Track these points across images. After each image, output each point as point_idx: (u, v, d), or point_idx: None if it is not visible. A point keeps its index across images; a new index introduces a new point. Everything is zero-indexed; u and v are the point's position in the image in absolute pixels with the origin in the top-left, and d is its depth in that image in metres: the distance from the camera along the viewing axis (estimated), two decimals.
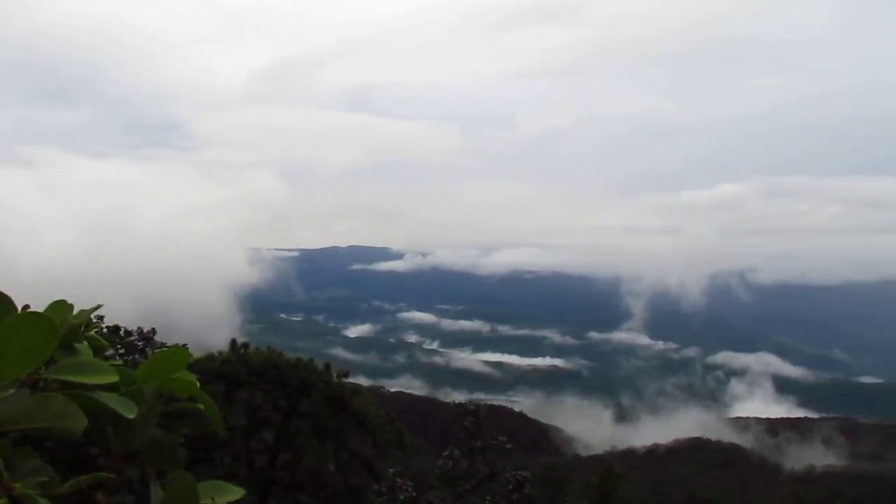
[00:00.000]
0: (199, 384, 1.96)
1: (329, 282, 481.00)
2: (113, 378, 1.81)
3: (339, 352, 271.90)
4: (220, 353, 20.79)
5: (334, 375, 20.92)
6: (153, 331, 25.74)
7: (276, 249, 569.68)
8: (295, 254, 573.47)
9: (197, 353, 21.22)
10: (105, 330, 20.40)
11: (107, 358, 2.01)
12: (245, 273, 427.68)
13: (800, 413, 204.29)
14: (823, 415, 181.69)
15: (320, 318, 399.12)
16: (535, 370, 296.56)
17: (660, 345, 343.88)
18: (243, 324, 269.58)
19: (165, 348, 1.76)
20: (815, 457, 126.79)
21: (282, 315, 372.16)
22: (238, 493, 1.89)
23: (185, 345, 18.19)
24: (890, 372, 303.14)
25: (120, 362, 1.96)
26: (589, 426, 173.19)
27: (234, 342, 20.99)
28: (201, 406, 1.99)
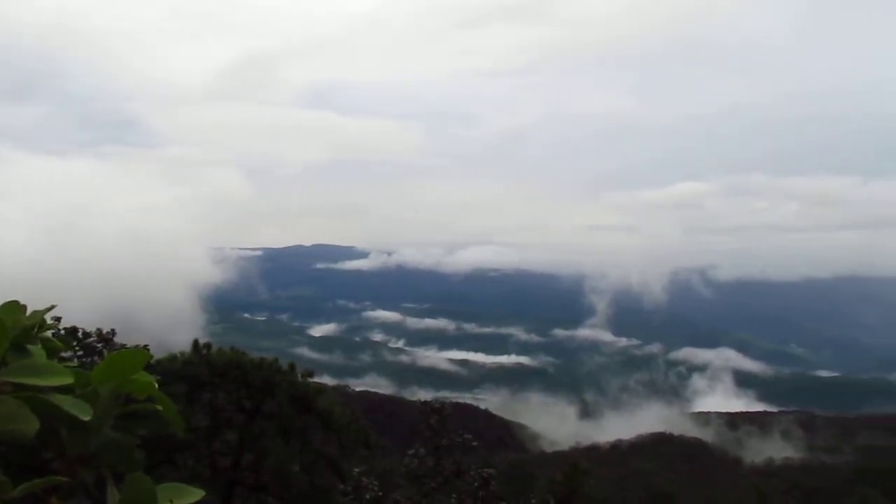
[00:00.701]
0: (158, 385, 1.91)
1: (293, 281, 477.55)
2: (67, 380, 1.76)
3: (304, 351, 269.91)
4: (182, 353, 20.50)
5: (299, 375, 20.77)
6: (112, 332, 25.27)
7: (240, 248, 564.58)
8: (258, 253, 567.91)
9: (159, 354, 20.90)
10: (62, 331, 20.00)
11: (63, 360, 1.95)
12: (208, 272, 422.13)
13: (759, 407, 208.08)
14: (782, 408, 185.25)
15: (284, 317, 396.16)
16: (501, 368, 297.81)
17: (623, 341, 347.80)
18: (206, 324, 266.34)
19: (123, 349, 1.73)
20: (775, 449, 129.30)
21: (245, 315, 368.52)
22: (198, 494, 1.83)
23: (145, 346, 17.92)
24: (845, 366, 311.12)
25: (76, 364, 1.89)
26: (554, 423, 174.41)
27: (195, 342, 20.72)
28: (160, 407, 1.93)
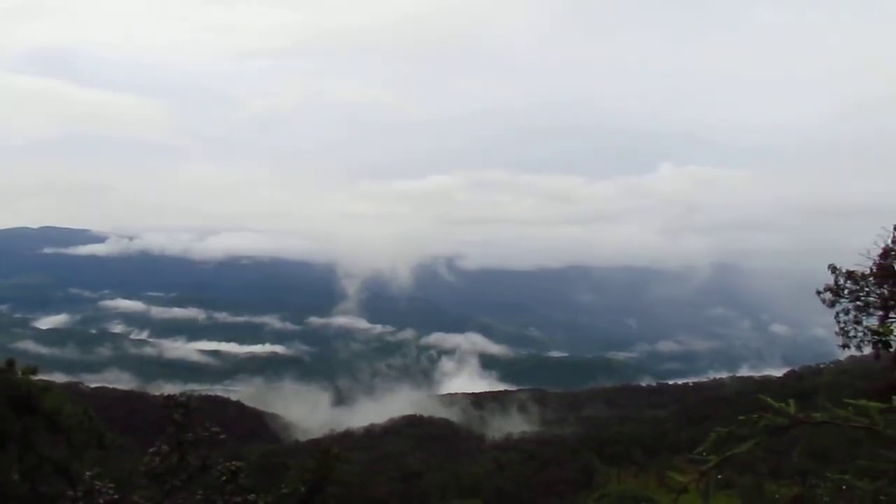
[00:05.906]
0: None
1: (15, 267, 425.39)
2: None
3: (30, 346, 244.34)
4: None
5: (19, 373, 18.77)
6: None
7: None
8: None
9: None
10: None
11: None
12: None
13: (501, 386, 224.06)
14: (520, 387, 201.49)
15: (4, 308, 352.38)
16: (254, 357, 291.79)
17: (378, 328, 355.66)
18: None
19: None
20: (513, 425, 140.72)
21: None
22: None
23: None
24: (574, 347, 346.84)
25: None
26: (308, 411, 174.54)
27: None
28: None
